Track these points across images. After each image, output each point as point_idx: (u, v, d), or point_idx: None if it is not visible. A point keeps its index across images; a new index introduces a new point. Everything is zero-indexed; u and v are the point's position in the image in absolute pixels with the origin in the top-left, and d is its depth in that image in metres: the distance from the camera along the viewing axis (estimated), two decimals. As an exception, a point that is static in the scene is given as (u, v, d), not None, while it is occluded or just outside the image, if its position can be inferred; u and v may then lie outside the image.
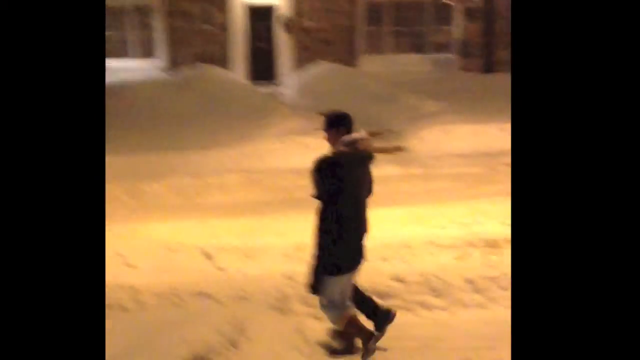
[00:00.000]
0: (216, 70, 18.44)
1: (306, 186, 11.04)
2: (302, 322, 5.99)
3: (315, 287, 5.02)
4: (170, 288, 6.54)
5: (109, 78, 17.64)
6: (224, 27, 20.32)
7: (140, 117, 14.81)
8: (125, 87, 16.98)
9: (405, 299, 6.33)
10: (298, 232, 8.39)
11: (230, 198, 10.45)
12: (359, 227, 5.07)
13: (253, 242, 7.98)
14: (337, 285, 4.97)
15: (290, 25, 20.52)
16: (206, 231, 8.51)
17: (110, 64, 19.08)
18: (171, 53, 20.18)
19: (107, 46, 19.54)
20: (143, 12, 20.31)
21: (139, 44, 20.41)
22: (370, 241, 7.99)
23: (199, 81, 17.14)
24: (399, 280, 6.58)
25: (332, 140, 5.02)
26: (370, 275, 6.70)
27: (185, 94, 16.19)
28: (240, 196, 10.54)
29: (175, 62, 19.87)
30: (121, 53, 20.20)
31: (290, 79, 20.08)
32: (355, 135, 4.97)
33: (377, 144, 14.15)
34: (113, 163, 11.87)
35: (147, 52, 20.40)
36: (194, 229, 8.60)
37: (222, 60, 20.03)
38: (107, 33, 19.35)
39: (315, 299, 6.32)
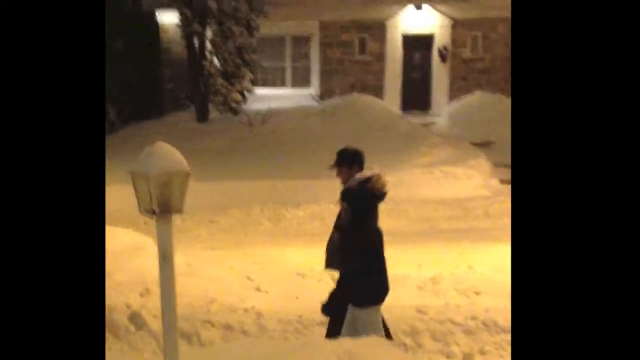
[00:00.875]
0: (368, 99, 18.29)
1: (452, 217, 10.64)
2: (431, 359, 5.51)
3: (330, 311, 4.87)
4: (296, 315, 6.30)
5: (263, 105, 18.04)
6: (379, 57, 20.20)
7: (289, 143, 14.92)
8: (276, 115, 17.22)
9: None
10: (437, 263, 7.94)
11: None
12: (383, 258, 4.88)
13: (389, 272, 7.59)
14: (374, 316, 4.80)
15: (446, 55, 20.05)
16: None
17: (267, 91, 19.53)
18: (326, 82, 20.31)
19: (265, 76, 20.04)
20: (301, 43, 20.62)
21: (295, 73, 20.70)
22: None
23: (350, 109, 17.07)
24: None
25: (344, 177, 4.84)
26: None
27: (335, 122, 16.17)
28: (382, 225, 10.18)
29: (329, 91, 19.95)
30: (279, 82, 20.58)
31: (445, 108, 19.57)
32: (367, 173, 4.74)
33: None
34: (258, 187, 12.04)
35: (303, 81, 20.64)
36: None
37: (376, 89, 19.88)
38: (266, 63, 19.83)
39: (447, 335, 5.84)
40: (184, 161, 4.01)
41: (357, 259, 4.60)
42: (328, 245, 4.86)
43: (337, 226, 4.78)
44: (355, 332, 4.74)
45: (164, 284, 3.91)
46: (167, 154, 3.89)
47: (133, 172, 3.89)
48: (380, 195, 4.75)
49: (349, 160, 4.82)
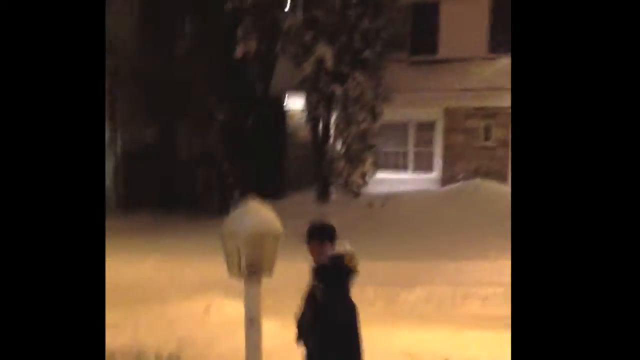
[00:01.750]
0: (491, 184, 17.89)
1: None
2: None
3: None
4: None
5: (384, 189, 18.01)
6: (504, 143, 19.80)
7: (408, 226, 14.75)
8: (397, 198, 17.16)
9: None
10: None
11: (489, 311, 9.69)
12: (358, 336, 4.77)
13: (504, 358, 7.16)
14: None
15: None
16: (455, 343, 7.88)
17: (388, 175, 19.55)
18: (448, 167, 20.10)
19: (387, 160, 20.08)
20: (424, 128, 20.62)
21: (418, 158, 20.64)
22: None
23: (472, 194, 16.74)
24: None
25: (316, 252, 4.59)
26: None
27: (457, 206, 15.88)
28: (500, 309, 9.72)
29: (452, 176, 19.71)
30: (400, 166, 20.56)
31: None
32: (340, 249, 4.59)
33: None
34: (373, 267, 11.84)
35: (425, 166, 20.53)
36: (441, 339, 8.02)
37: (500, 175, 19.42)
38: (388, 148, 19.95)
39: None
40: (277, 221, 3.95)
41: (331, 336, 4.52)
42: (299, 319, 4.74)
43: (308, 302, 4.63)
44: None
45: (249, 349, 3.81)
46: (259, 214, 3.85)
47: (223, 232, 3.86)
48: (352, 273, 4.61)
49: (320, 236, 4.65)
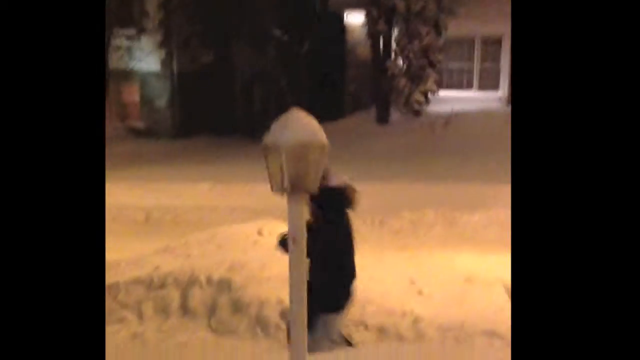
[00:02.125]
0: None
1: None
2: None
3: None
4: (458, 322, 5.78)
5: (447, 108, 17.47)
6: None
7: (470, 148, 14.30)
8: (460, 118, 16.67)
9: None
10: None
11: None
12: (353, 266, 4.88)
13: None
14: (338, 323, 4.90)
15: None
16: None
17: (451, 94, 18.99)
18: (515, 85, 19.36)
19: (450, 78, 19.44)
20: (492, 44, 19.81)
21: (483, 75, 19.92)
22: None
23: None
24: None
25: None
26: None
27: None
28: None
29: (518, 95, 19.00)
30: (465, 84, 19.91)
31: None
32: (340, 182, 4.70)
33: None
34: (434, 190, 11.52)
35: (491, 84, 19.81)
36: (501, 264, 7.65)
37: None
38: (452, 65, 19.28)
39: None
40: (322, 132, 3.59)
41: (322, 263, 4.41)
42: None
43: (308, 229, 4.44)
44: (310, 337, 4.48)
45: (293, 270, 3.50)
46: (302, 125, 3.48)
47: (265, 144, 3.53)
48: (348, 203, 4.76)
49: None
